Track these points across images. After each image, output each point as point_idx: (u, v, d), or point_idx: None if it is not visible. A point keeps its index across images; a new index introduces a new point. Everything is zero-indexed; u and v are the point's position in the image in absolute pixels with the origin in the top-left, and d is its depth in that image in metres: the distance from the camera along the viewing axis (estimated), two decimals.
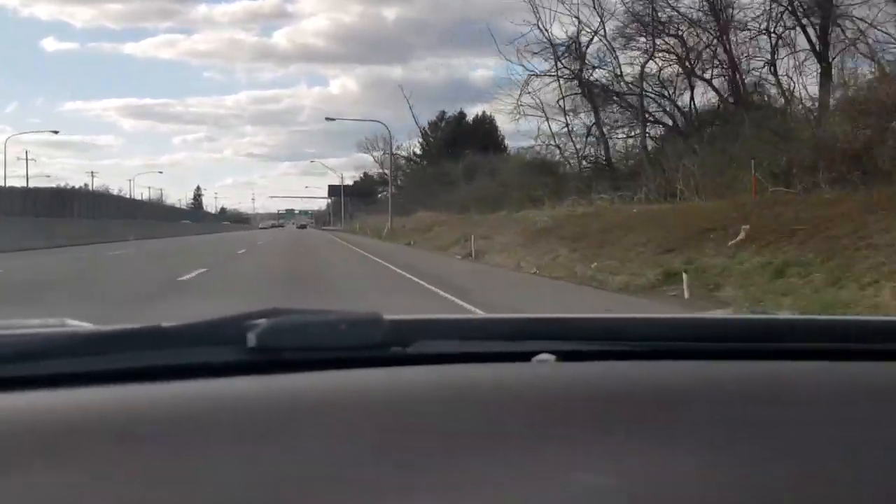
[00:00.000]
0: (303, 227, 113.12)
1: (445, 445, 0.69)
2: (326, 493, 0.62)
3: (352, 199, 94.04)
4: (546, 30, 30.77)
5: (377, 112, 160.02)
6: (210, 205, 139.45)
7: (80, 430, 0.69)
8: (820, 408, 0.81)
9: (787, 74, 25.12)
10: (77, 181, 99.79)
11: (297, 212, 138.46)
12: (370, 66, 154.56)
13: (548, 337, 1.00)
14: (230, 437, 0.69)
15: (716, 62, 27.11)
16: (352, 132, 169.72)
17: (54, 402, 0.75)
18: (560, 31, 35.65)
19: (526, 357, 0.93)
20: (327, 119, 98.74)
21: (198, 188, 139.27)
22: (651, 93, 29.60)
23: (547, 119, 32.76)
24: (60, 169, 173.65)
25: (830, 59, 23.13)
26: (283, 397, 0.78)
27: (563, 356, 0.93)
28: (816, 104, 21.25)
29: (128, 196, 71.12)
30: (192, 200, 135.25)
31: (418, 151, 62.33)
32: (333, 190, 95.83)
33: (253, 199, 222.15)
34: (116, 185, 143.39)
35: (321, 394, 0.80)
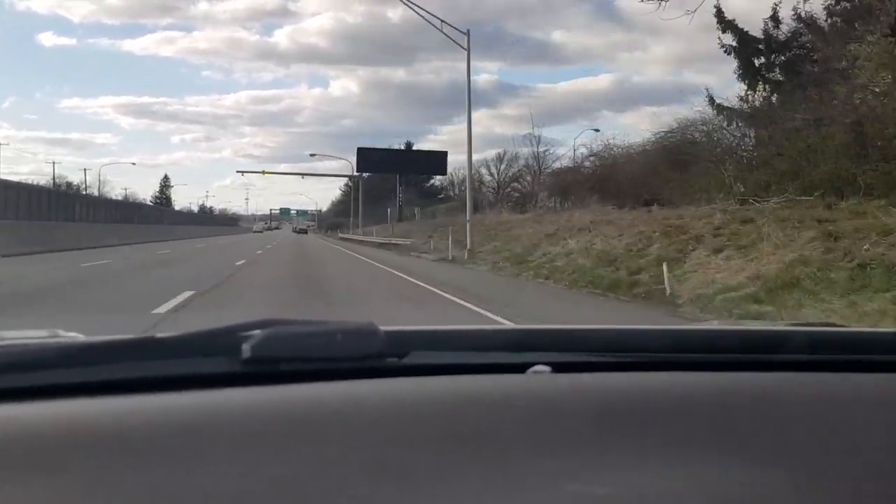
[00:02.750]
0: (303, 231, 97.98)
1: (441, 457, 0.68)
2: None
3: (401, 181, 51.49)
4: None
5: (378, 114, 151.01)
6: (189, 201, 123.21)
7: (73, 441, 0.69)
8: (816, 420, 0.80)
9: None
10: (75, 179, 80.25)
11: (293, 212, 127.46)
12: (372, 67, 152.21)
13: (543, 348, 0.99)
14: (224, 449, 0.69)
15: None
16: (349, 136, 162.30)
17: (46, 413, 0.74)
18: None
19: (522, 368, 0.92)
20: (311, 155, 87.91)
21: (165, 178, 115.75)
22: None
23: None
24: (57, 167, 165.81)
25: None
26: (278, 409, 0.77)
27: (559, 367, 0.92)
28: None
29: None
30: (157, 193, 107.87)
31: None
32: (365, 158, 52.59)
33: (247, 200, 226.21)
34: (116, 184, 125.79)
35: (316, 405, 0.79)
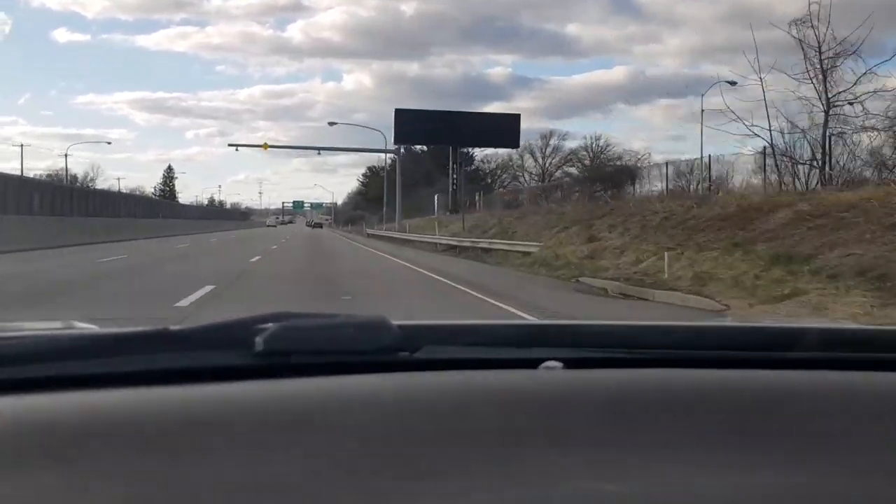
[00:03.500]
0: (318, 225, 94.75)
1: (452, 451, 0.69)
2: (333, 498, 0.62)
3: (455, 156, 37.15)
4: None
5: (391, 108, 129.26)
6: (195, 194, 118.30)
7: (86, 432, 0.69)
8: (830, 417, 0.80)
9: None
10: (80, 172, 74.91)
11: (307, 205, 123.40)
12: (386, 61, 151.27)
13: (555, 344, 1.00)
14: (237, 441, 0.69)
15: None
16: (363, 130, 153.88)
17: (60, 404, 0.75)
18: None
19: (533, 364, 0.92)
20: (330, 124, 63.12)
21: (169, 168, 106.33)
22: None
23: None
24: (73, 162, 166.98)
25: None
26: (290, 402, 0.78)
27: (571, 363, 0.93)
28: None
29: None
30: (160, 185, 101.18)
31: None
32: (406, 125, 38.13)
33: (260, 194, 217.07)
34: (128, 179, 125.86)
35: (328, 399, 0.79)
